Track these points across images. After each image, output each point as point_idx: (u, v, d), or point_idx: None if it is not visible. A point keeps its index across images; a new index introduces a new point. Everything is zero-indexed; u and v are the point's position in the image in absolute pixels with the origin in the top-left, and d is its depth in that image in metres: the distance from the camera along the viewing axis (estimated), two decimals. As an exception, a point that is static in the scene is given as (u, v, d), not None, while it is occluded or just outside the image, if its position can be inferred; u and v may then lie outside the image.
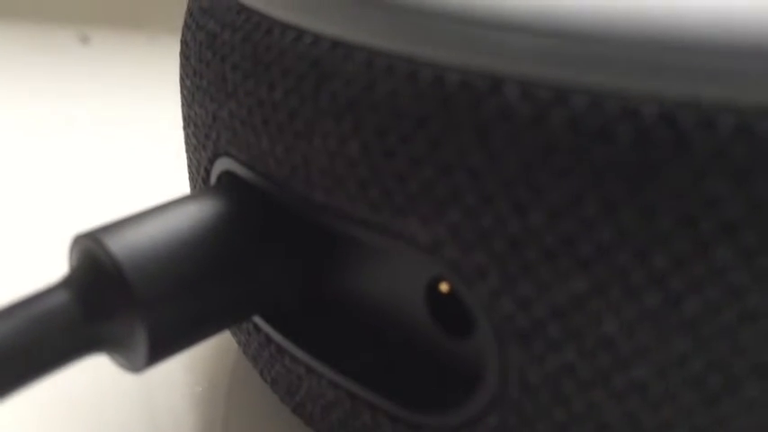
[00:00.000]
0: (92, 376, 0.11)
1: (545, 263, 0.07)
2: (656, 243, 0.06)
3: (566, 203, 0.06)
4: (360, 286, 0.09)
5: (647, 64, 0.06)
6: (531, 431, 0.07)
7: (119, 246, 0.08)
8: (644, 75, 0.06)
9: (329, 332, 0.09)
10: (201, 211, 0.08)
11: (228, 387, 0.11)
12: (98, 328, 0.08)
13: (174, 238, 0.08)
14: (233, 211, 0.08)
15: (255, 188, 0.09)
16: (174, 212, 0.08)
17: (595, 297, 0.07)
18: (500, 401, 0.07)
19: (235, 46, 0.09)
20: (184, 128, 0.10)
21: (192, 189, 0.11)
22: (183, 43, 0.10)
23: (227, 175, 0.09)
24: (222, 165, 0.09)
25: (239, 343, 0.10)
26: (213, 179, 0.10)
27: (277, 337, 0.09)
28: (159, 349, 0.08)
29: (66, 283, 0.08)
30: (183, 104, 0.10)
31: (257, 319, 0.09)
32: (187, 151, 0.10)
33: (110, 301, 0.08)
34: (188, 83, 0.10)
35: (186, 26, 0.10)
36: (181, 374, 0.12)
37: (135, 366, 0.08)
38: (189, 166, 0.11)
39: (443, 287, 0.08)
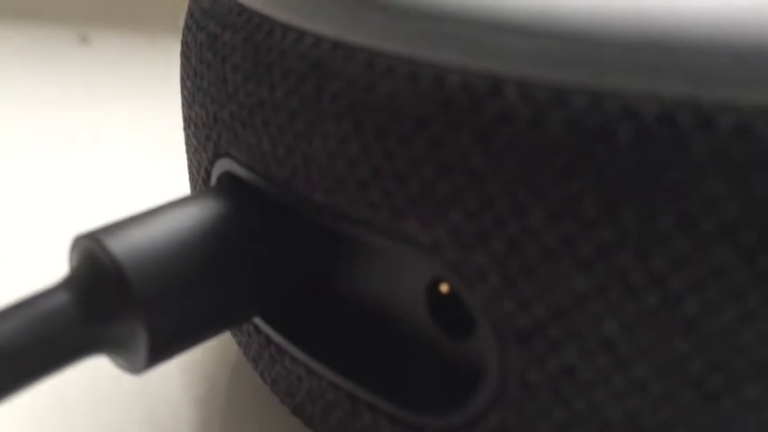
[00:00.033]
0: (91, 377, 0.11)
1: (545, 263, 0.07)
2: (656, 243, 0.06)
3: (565, 204, 0.06)
4: (360, 287, 0.09)
5: (647, 64, 0.06)
6: (531, 431, 0.07)
7: (119, 246, 0.08)
8: (643, 75, 0.06)
9: (329, 333, 0.09)
10: (202, 212, 0.08)
11: (229, 388, 0.11)
12: (98, 329, 0.07)
13: (174, 238, 0.08)
14: (233, 212, 0.08)
15: (256, 189, 0.09)
16: (174, 213, 0.08)
17: (595, 297, 0.07)
18: (500, 402, 0.07)
19: (236, 47, 0.09)
20: (185, 129, 0.10)
21: (192, 190, 0.11)
22: (184, 44, 0.10)
23: (227, 176, 0.09)
24: (223, 166, 0.09)
25: (239, 344, 0.10)
26: (214, 180, 0.10)
27: (277, 338, 0.09)
28: (159, 350, 0.08)
29: (66, 284, 0.08)
30: (183, 105, 0.10)
31: (258, 321, 0.09)
32: (187, 152, 0.10)
33: (110, 301, 0.07)
34: (188, 84, 0.10)
35: (187, 27, 0.10)
36: (181, 376, 0.12)
37: (135, 368, 0.08)
38: (189, 167, 0.11)
39: (444, 288, 0.08)
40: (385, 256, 0.09)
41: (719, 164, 0.06)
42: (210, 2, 0.09)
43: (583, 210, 0.06)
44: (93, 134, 0.20)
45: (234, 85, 0.09)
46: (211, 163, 0.09)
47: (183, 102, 0.10)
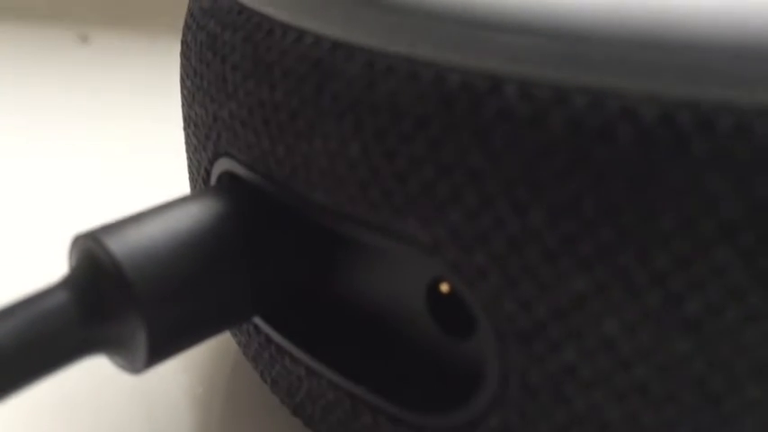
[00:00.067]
0: (91, 377, 0.11)
1: (545, 263, 0.07)
2: (657, 243, 0.06)
3: (566, 204, 0.06)
4: (360, 287, 0.09)
5: (647, 64, 0.06)
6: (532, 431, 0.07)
7: (119, 246, 0.08)
8: (644, 75, 0.06)
9: (330, 333, 0.09)
10: (202, 212, 0.08)
11: (228, 388, 0.11)
12: (97, 328, 0.07)
13: (174, 238, 0.08)
14: (233, 212, 0.08)
15: (256, 189, 0.09)
16: (174, 213, 0.08)
17: (596, 297, 0.07)
18: (501, 402, 0.07)
19: (235, 46, 0.09)
20: (185, 128, 0.10)
21: (192, 189, 0.11)
22: (184, 43, 0.10)
23: (227, 176, 0.09)
24: (222, 165, 0.09)
25: (239, 344, 0.10)
26: (213, 179, 0.10)
27: (277, 337, 0.09)
28: (159, 350, 0.08)
29: (65, 284, 0.08)
30: (183, 105, 0.10)
31: (257, 320, 0.09)
32: (187, 151, 0.10)
33: (110, 301, 0.07)
34: (188, 83, 0.10)
35: (187, 26, 0.10)
36: (180, 375, 0.12)
37: (134, 367, 0.08)
38: (189, 167, 0.11)
39: (444, 288, 0.08)
40: (385, 256, 0.09)
41: (719, 164, 0.06)
42: (210, 1, 0.09)
43: (583, 210, 0.06)
44: (93, 133, 0.20)
45: (234, 84, 0.09)
46: (211, 162, 0.09)
47: (182, 101, 0.10)
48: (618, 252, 0.06)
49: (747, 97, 0.06)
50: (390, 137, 0.07)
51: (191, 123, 0.10)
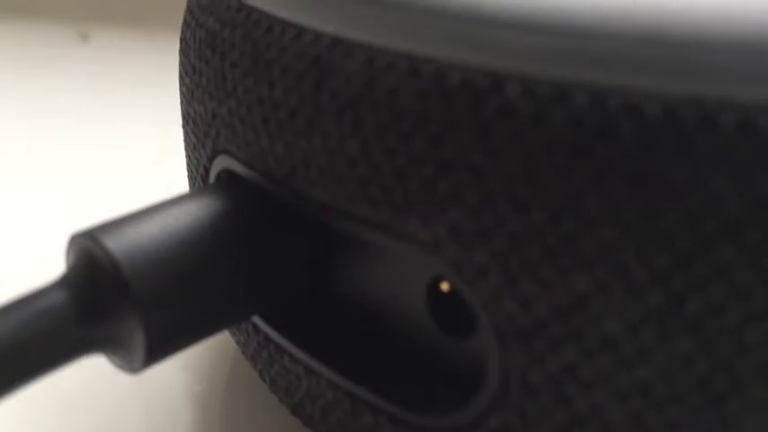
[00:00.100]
0: (88, 376, 0.11)
1: (546, 262, 0.07)
2: (659, 242, 0.06)
3: (567, 202, 0.06)
4: (360, 286, 0.09)
5: (649, 61, 0.06)
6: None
7: (116, 244, 0.07)
8: (646, 72, 0.06)
9: (329, 332, 0.09)
10: (200, 210, 0.08)
11: (227, 387, 0.11)
12: (95, 327, 0.07)
13: (172, 236, 0.08)
14: (232, 210, 0.08)
15: (255, 186, 0.09)
16: (172, 211, 0.08)
17: (597, 297, 0.07)
18: (501, 402, 0.07)
19: (234, 43, 0.09)
20: (183, 126, 0.10)
21: (191, 187, 0.11)
22: (183, 41, 0.10)
23: (226, 174, 0.09)
24: (221, 163, 0.09)
25: (238, 343, 0.10)
26: (212, 177, 0.09)
27: (276, 336, 0.09)
28: (157, 349, 0.08)
29: (62, 283, 0.08)
30: (182, 102, 0.10)
31: (256, 319, 0.09)
32: (186, 149, 0.10)
33: (107, 300, 0.07)
34: (187, 80, 0.10)
35: (186, 23, 0.10)
36: (179, 374, 0.12)
37: (133, 367, 0.08)
38: (188, 165, 0.11)
39: (444, 286, 0.08)
40: (385, 255, 0.09)
41: (723, 161, 0.06)
42: (209, -2, 0.09)
43: (584, 208, 0.06)
44: (93, 132, 0.20)
45: (233, 81, 0.08)
46: (210, 160, 0.09)
47: (181, 98, 0.10)
48: (619, 251, 0.06)
49: (751, 94, 0.06)
50: (390, 134, 0.07)
51: (189, 121, 0.10)
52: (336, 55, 0.07)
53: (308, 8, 0.08)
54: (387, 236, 0.07)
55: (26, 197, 0.17)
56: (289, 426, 0.10)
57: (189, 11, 0.10)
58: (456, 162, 0.07)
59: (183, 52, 0.10)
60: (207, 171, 0.10)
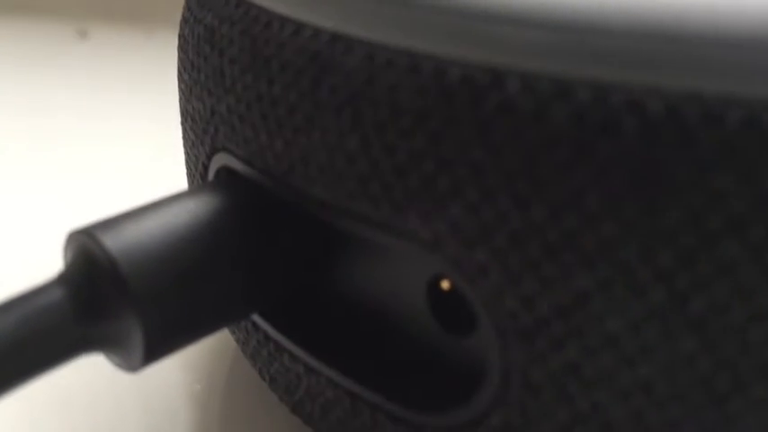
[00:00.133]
0: (87, 375, 0.11)
1: (547, 259, 0.07)
2: (662, 239, 0.06)
3: (568, 198, 0.06)
4: (360, 284, 0.09)
5: (652, 56, 0.06)
6: (534, 431, 0.07)
7: (114, 242, 0.07)
8: (649, 68, 0.06)
9: (329, 330, 0.09)
10: (199, 207, 0.08)
11: (226, 386, 0.11)
12: (93, 326, 0.07)
13: (171, 234, 0.08)
14: (231, 208, 0.08)
15: (254, 184, 0.09)
16: (171, 208, 0.08)
17: (599, 294, 0.06)
18: (502, 401, 0.07)
19: (233, 39, 0.08)
20: (182, 123, 0.10)
21: (189, 185, 0.11)
22: (181, 37, 0.10)
23: (225, 171, 0.09)
24: (220, 160, 0.09)
25: (237, 341, 0.10)
26: (211, 175, 0.09)
27: (276, 335, 0.09)
28: (156, 348, 0.08)
29: (60, 281, 0.07)
30: (180, 99, 0.10)
31: (256, 317, 0.09)
32: (185, 146, 0.10)
33: (105, 298, 0.07)
34: (186, 77, 0.10)
35: (184, 20, 0.10)
36: (178, 373, 0.12)
37: (131, 365, 0.08)
38: (187, 162, 0.11)
39: (445, 284, 0.08)
40: (385, 252, 0.08)
41: (726, 158, 0.06)
42: (208, -6, 0.09)
43: (585, 204, 0.06)
44: (92, 129, 0.20)
45: (231, 78, 0.08)
46: (209, 157, 0.09)
47: (180, 95, 0.10)
48: (621, 248, 0.06)
49: (754, 90, 0.06)
50: (390, 131, 0.07)
51: (188, 118, 0.10)
52: (336, 51, 0.07)
53: (307, 4, 0.08)
54: (387, 233, 0.07)
55: (24, 194, 0.17)
56: (288, 424, 0.10)
57: (187, 7, 0.10)
58: (456, 159, 0.07)
59: (182, 49, 0.10)
60: (206, 168, 0.10)
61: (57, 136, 0.20)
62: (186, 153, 0.10)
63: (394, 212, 0.07)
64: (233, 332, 0.10)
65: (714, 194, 0.06)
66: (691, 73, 0.06)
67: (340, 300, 0.09)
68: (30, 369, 0.07)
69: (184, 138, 0.10)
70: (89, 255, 0.07)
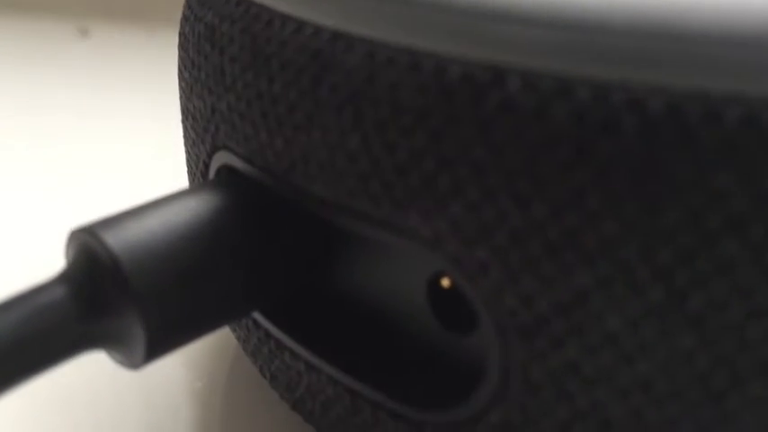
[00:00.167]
0: (89, 372, 0.11)
1: (548, 258, 0.07)
2: (662, 237, 0.06)
3: (569, 197, 0.06)
4: (360, 282, 0.09)
5: (653, 55, 0.06)
6: (534, 428, 0.07)
7: (116, 240, 0.07)
8: (649, 66, 0.06)
9: (329, 328, 0.09)
10: (200, 206, 0.08)
11: (227, 383, 0.11)
12: (95, 324, 0.07)
13: (172, 232, 0.08)
14: (232, 206, 0.08)
15: (255, 182, 0.09)
16: (172, 207, 0.08)
17: (599, 292, 0.06)
18: (502, 398, 0.07)
19: (233, 38, 0.08)
20: (183, 121, 0.10)
21: (190, 183, 0.11)
22: (182, 35, 0.10)
23: (225, 169, 0.09)
24: (221, 158, 0.09)
25: (238, 339, 0.10)
26: (212, 173, 0.09)
27: (277, 332, 0.09)
28: (157, 345, 0.08)
29: (62, 279, 0.07)
30: (181, 97, 0.10)
31: (257, 315, 0.09)
32: (186, 145, 0.10)
33: (107, 296, 0.07)
34: (186, 75, 0.10)
35: (184, 18, 0.10)
36: (179, 370, 0.12)
37: (133, 363, 0.08)
38: (187, 160, 0.11)
39: (445, 282, 0.08)
40: (386, 250, 0.08)
41: (727, 156, 0.06)
42: (208, -8, 0.09)
43: (586, 203, 0.06)
44: (93, 127, 0.20)
45: (232, 76, 0.08)
46: (209, 156, 0.09)
47: (180, 94, 0.10)
48: (621, 246, 0.06)
49: (755, 88, 0.06)
50: (391, 129, 0.07)
51: (189, 116, 0.10)
52: (337, 49, 0.07)
53: (307, 2, 0.08)
54: (387, 231, 0.07)
55: (26, 193, 0.17)
56: (289, 422, 0.10)
57: (188, 5, 0.10)
58: (457, 157, 0.07)
59: (182, 47, 0.10)
60: (206, 167, 0.10)
61: (58, 134, 0.20)
62: (187, 151, 0.10)
63: (394, 210, 0.07)
64: (234, 330, 0.10)
65: (714, 194, 0.06)
66: (691, 71, 0.06)
67: (341, 298, 0.09)
68: (32, 367, 0.07)
69: (185, 136, 0.10)
70: (91, 253, 0.07)
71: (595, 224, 0.06)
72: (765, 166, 0.06)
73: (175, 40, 0.11)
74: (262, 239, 0.08)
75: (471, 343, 0.08)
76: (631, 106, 0.06)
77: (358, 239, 0.09)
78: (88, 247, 0.08)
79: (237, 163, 0.09)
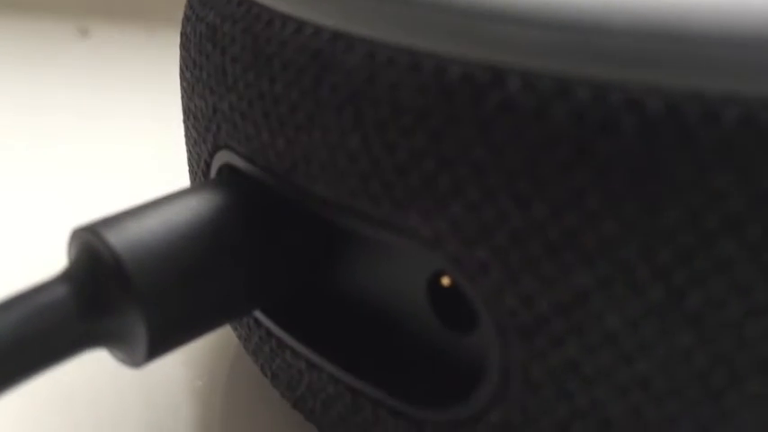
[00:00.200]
0: (90, 370, 0.11)
1: (547, 257, 0.07)
2: (661, 237, 0.06)
3: (568, 197, 0.06)
4: (361, 281, 0.09)
5: (652, 55, 0.06)
6: (533, 427, 0.07)
7: (118, 239, 0.07)
8: (648, 66, 0.06)
9: (330, 327, 0.09)
10: (201, 205, 0.08)
11: (228, 382, 0.11)
12: (97, 322, 0.07)
13: (173, 231, 0.08)
14: (233, 205, 0.08)
15: (256, 181, 0.09)
16: (173, 206, 0.08)
17: (599, 292, 0.07)
18: (502, 397, 0.07)
19: (235, 38, 0.09)
20: (184, 120, 0.10)
21: (192, 182, 0.11)
22: (183, 35, 0.10)
23: (227, 169, 0.09)
24: (222, 158, 0.09)
25: (239, 337, 0.10)
26: (213, 172, 0.09)
27: (278, 331, 0.09)
28: (159, 344, 0.08)
29: (64, 277, 0.08)
30: (182, 97, 0.10)
31: (258, 314, 0.09)
32: (187, 144, 0.10)
33: (109, 294, 0.07)
34: (188, 75, 0.10)
35: (186, 18, 0.10)
36: (181, 369, 0.12)
37: (134, 361, 0.08)
38: (189, 160, 0.11)
39: (445, 282, 0.08)
40: (386, 250, 0.09)
41: (725, 156, 0.06)
42: (210, -8, 0.09)
43: (585, 203, 0.06)
44: (93, 127, 0.20)
45: (233, 76, 0.08)
46: (211, 155, 0.09)
47: (182, 93, 0.10)
48: (621, 246, 0.06)
49: (753, 88, 0.06)
50: (391, 129, 0.07)
51: (190, 116, 0.10)
52: (337, 49, 0.07)
53: (308, 2, 0.08)
54: (388, 231, 0.07)
55: (27, 192, 0.17)
56: (290, 420, 0.10)
57: (189, 5, 0.10)
58: (457, 157, 0.07)
59: (184, 47, 0.10)
60: (208, 166, 0.10)
61: (58, 134, 0.20)
62: (188, 151, 0.10)
63: (395, 210, 0.07)
64: (235, 329, 0.10)
65: (713, 193, 0.06)
66: (689, 72, 0.06)
67: (341, 297, 0.09)
68: (33, 365, 0.07)
69: (187, 136, 0.10)
70: (93, 251, 0.08)
71: (595, 224, 0.06)
72: (763, 166, 0.06)
73: (176, 39, 0.11)
74: (263, 239, 0.08)
75: (471, 342, 0.08)
76: (630, 106, 0.06)
77: (359, 239, 0.09)
78: (90, 246, 0.08)
79: (239, 162, 0.09)
